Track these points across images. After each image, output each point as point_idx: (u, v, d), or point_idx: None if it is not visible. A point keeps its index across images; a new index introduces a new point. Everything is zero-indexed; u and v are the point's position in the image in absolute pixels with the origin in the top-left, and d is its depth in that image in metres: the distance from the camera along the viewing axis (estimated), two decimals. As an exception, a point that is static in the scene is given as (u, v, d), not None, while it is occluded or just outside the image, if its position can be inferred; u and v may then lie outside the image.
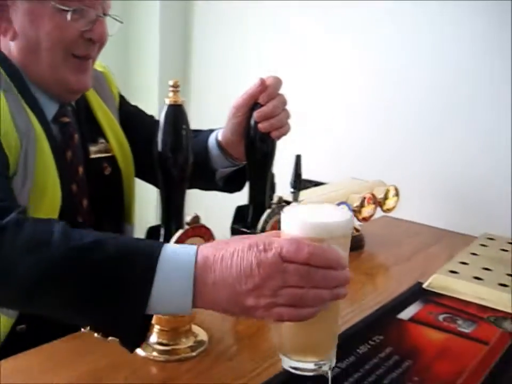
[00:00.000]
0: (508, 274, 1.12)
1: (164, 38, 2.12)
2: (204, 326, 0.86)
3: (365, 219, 1.28)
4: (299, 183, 1.35)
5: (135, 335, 0.65)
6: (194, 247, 0.65)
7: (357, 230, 1.31)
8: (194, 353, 0.80)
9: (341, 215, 0.67)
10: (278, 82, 0.90)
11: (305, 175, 1.43)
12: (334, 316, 0.71)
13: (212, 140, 1.00)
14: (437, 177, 1.54)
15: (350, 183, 1.39)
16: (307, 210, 0.70)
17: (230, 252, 0.63)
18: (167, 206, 0.80)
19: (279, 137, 0.92)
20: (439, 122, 1.52)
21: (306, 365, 0.70)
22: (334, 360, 0.72)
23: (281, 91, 0.92)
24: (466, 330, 0.92)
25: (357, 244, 1.29)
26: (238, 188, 1.06)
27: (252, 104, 0.91)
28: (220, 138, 0.99)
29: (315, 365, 0.70)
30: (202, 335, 0.84)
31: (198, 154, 0.98)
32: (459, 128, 1.49)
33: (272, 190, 1.32)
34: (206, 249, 0.65)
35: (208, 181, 1.03)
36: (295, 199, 1.24)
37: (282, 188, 1.36)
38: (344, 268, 0.65)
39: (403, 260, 1.26)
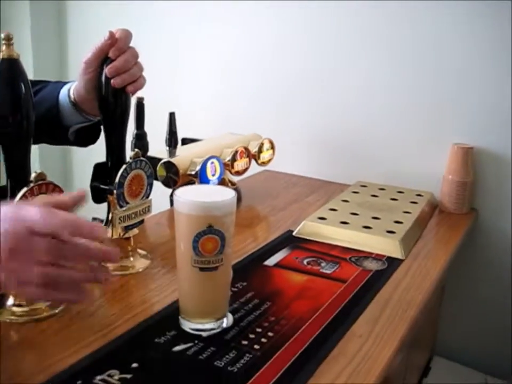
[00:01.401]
0: (373, 218, 1.18)
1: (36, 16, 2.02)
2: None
3: (238, 172, 1.29)
4: (174, 141, 1.34)
5: None
6: None
7: (233, 184, 1.31)
8: (56, 311, 0.78)
9: (228, 194, 0.72)
10: (128, 35, 0.87)
11: (184, 133, 1.42)
12: (226, 274, 0.75)
13: (63, 96, 0.96)
14: (313, 130, 1.57)
15: (225, 138, 1.39)
16: (196, 191, 0.75)
17: None
18: (9, 164, 0.77)
19: (134, 92, 0.90)
20: (315, 77, 1.55)
21: (206, 326, 0.73)
22: (231, 316, 0.77)
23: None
24: (328, 271, 0.96)
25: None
26: (92, 142, 1.02)
27: (103, 58, 0.88)
28: (72, 94, 0.95)
29: (214, 324, 0.74)
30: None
31: (48, 110, 0.94)
32: (333, 84, 1.52)
33: (145, 149, 1.30)
34: None
35: (59, 137, 0.99)
36: (171, 155, 1.23)
37: (159, 146, 1.35)
38: (101, 240, 0.64)
39: (278, 210, 1.29)
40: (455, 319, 1.45)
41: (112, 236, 0.91)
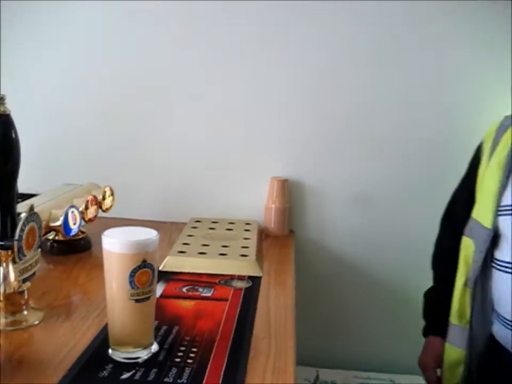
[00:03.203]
0: (223, 246, 1.34)
1: None
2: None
3: (90, 220, 1.35)
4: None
5: None
6: None
7: (83, 232, 1.36)
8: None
9: (152, 233, 0.81)
10: None
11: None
12: (154, 302, 0.83)
13: None
14: (149, 173, 1.67)
15: (65, 189, 1.42)
16: (120, 233, 0.81)
17: None
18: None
19: None
20: (144, 120, 1.65)
21: (140, 353, 0.82)
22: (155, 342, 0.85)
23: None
24: (208, 294, 1.10)
25: (85, 245, 1.35)
26: None
27: None
28: None
29: (147, 350, 0.83)
30: None
31: None
32: (162, 129, 1.65)
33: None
34: None
35: None
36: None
37: None
38: None
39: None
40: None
41: (5, 291, 0.91)
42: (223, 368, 0.80)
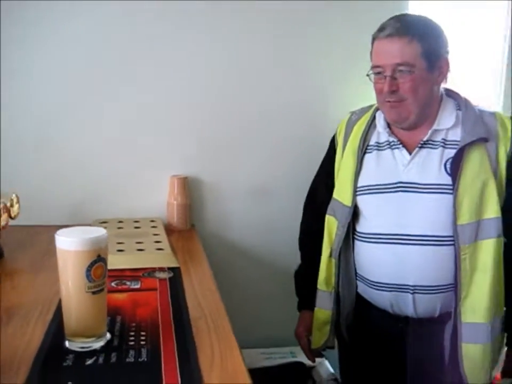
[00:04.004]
0: (138, 242, 1.43)
1: None
2: None
3: (4, 227, 1.35)
4: None
5: None
6: None
7: (-6, 241, 1.36)
8: None
9: (101, 231, 0.89)
10: None
11: None
12: (104, 296, 0.90)
13: None
14: (52, 178, 1.68)
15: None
16: (76, 232, 0.87)
17: None
18: None
19: None
20: (47, 123, 1.66)
21: (97, 341, 0.89)
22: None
23: None
24: (137, 286, 1.19)
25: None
26: None
27: None
28: None
29: (103, 338, 0.90)
30: None
31: None
32: (63, 133, 1.67)
33: None
34: None
35: None
36: None
37: None
38: None
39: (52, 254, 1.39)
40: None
41: None
42: (175, 344, 0.91)
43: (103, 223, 1.63)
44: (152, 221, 1.67)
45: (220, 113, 1.74)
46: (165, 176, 1.71)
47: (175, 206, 1.69)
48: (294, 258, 1.75)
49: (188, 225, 1.72)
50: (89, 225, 1.57)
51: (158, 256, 1.34)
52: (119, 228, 1.58)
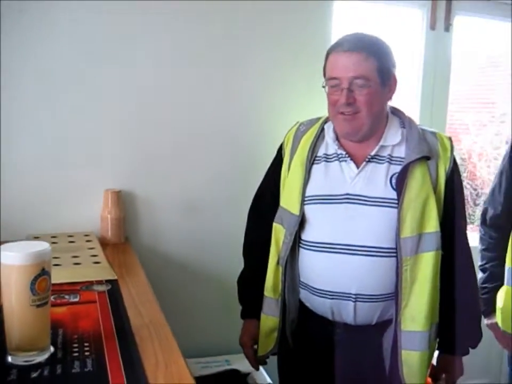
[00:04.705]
0: (74, 256, 1.43)
1: None
2: None
3: None
4: None
5: None
6: None
7: None
8: None
9: (44, 245, 0.91)
10: None
11: None
12: (48, 309, 0.91)
13: None
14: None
15: None
16: (19, 246, 0.89)
17: None
18: None
19: None
20: None
21: (41, 354, 0.90)
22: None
23: None
24: (76, 300, 1.20)
25: None
26: None
27: None
28: None
29: (46, 351, 0.91)
30: None
31: None
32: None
33: None
34: None
35: None
36: None
37: None
38: None
39: None
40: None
41: None
42: (119, 353, 0.94)
43: (35, 238, 1.61)
44: (86, 235, 1.67)
45: (152, 128, 1.77)
46: (100, 190, 1.71)
47: (109, 220, 1.70)
48: (228, 268, 1.80)
49: (122, 239, 1.73)
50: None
51: (95, 269, 1.35)
52: (53, 242, 1.57)
